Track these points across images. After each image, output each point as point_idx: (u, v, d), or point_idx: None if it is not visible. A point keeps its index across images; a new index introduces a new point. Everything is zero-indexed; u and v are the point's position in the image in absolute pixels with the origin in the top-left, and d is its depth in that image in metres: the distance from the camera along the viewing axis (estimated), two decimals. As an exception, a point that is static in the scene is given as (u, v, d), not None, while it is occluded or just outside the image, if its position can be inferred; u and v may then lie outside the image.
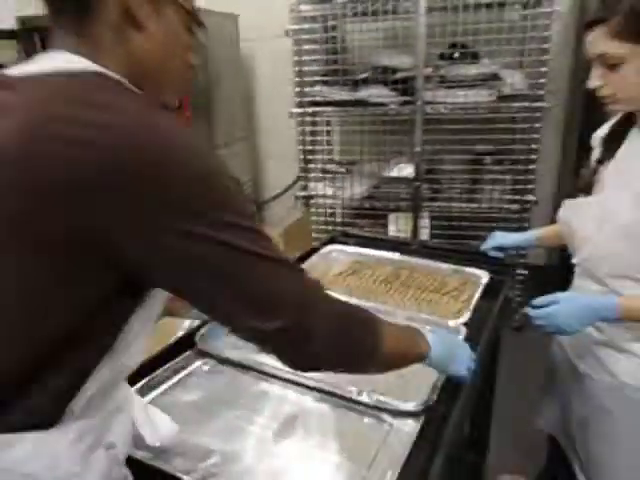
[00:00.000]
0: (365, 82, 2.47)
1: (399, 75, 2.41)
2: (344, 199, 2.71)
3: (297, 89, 2.59)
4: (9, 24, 2.72)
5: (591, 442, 1.11)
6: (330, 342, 0.62)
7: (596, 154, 1.11)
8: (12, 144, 0.50)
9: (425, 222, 2.60)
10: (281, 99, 2.94)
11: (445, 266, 1.45)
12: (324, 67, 2.55)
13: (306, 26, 2.48)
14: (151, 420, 0.76)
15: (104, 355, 0.58)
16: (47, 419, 0.56)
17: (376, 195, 2.69)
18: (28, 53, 2.78)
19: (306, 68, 2.55)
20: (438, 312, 1.23)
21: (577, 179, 1.13)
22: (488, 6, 2.25)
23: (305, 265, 1.48)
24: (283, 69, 2.75)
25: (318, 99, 2.57)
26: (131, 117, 0.52)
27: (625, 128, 1.03)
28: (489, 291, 1.31)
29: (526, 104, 2.27)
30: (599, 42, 0.92)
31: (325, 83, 2.57)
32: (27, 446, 0.54)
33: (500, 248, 1.38)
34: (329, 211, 2.83)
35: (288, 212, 3.20)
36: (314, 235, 2.76)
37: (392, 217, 2.65)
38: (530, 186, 2.40)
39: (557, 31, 2.54)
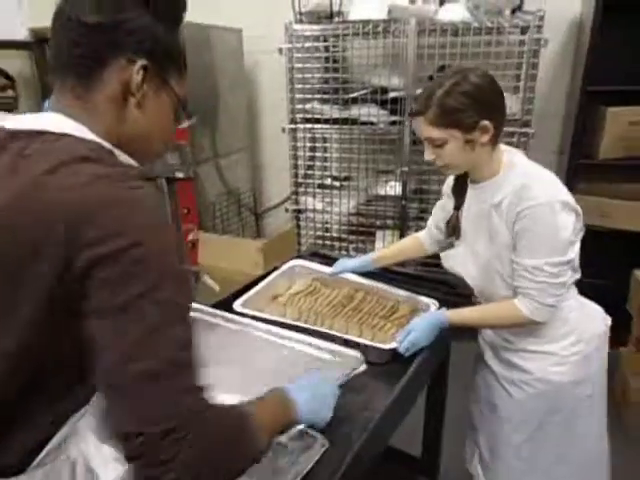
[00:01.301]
0: (356, 101, 2.51)
1: (389, 95, 2.45)
2: (333, 214, 2.75)
3: (290, 106, 2.64)
4: (23, 35, 2.87)
5: (495, 425, 1.34)
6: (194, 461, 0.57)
7: (450, 203, 1.31)
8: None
9: (411, 240, 2.62)
10: (282, 111, 3.00)
11: (399, 292, 1.48)
12: (317, 85, 2.60)
13: (299, 45, 2.53)
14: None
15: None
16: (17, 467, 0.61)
17: (364, 212, 2.72)
18: (39, 64, 2.93)
19: (300, 85, 2.60)
20: (377, 338, 1.28)
21: (447, 226, 1.30)
22: (482, 30, 2.26)
23: (267, 281, 1.53)
24: (284, 83, 2.81)
25: (310, 116, 2.62)
26: (100, 190, 0.57)
27: (464, 179, 1.24)
28: None
29: (512, 129, 2.27)
30: (423, 130, 1.12)
31: (318, 100, 2.62)
32: None
33: (344, 271, 1.53)
34: (319, 226, 2.87)
35: (286, 223, 3.26)
36: (303, 248, 2.81)
37: (379, 234, 2.68)
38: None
39: (553, 58, 2.54)
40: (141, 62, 0.65)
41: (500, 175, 1.15)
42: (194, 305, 1.31)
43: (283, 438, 0.87)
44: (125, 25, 0.64)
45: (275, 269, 1.63)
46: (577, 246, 1.14)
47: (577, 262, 1.18)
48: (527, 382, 1.25)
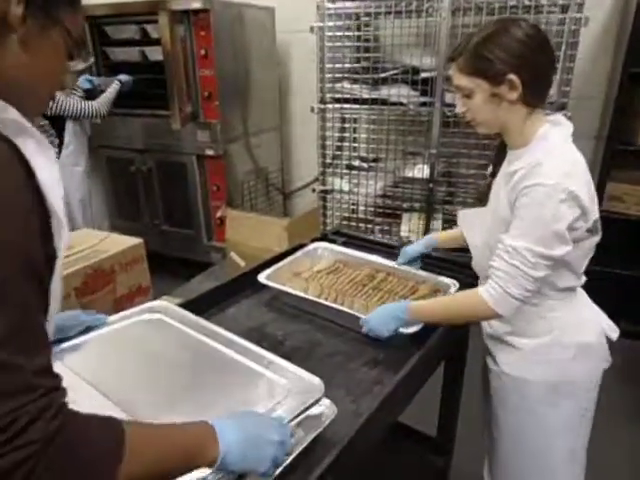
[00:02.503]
0: (386, 81, 2.48)
1: (421, 76, 2.41)
2: (360, 196, 2.75)
3: (319, 85, 2.64)
4: None
5: (490, 426, 1.31)
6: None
7: (489, 169, 1.26)
8: None
9: (438, 224, 2.60)
10: (312, 91, 2.99)
11: (420, 273, 1.48)
12: (348, 64, 2.58)
13: (331, 24, 2.51)
14: None
15: None
16: None
17: (391, 194, 2.71)
18: None
19: (330, 65, 2.59)
20: None
21: (478, 191, 1.23)
22: (519, 8, 2.19)
23: (290, 259, 1.55)
24: (315, 62, 2.80)
25: (338, 96, 2.61)
26: None
27: (504, 147, 1.16)
28: None
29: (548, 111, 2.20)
30: (454, 76, 1.08)
31: (348, 80, 2.60)
32: None
33: (411, 260, 1.49)
34: (345, 207, 2.88)
35: (312, 204, 3.28)
36: (328, 229, 2.83)
37: (405, 216, 2.67)
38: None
39: (594, 38, 2.44)
40: None
41: (528, 147, 1.06)
42: (162, 303, 1.22)
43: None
44: None
45: (299, 247, 1.65)
46: (566, 249, 1.02)
47: (579, 267, 1.11)
48: (497, 373, 1.23)
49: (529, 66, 1.01)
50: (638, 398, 2.21)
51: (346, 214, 2.88)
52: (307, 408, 0.87)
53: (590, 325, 1.17)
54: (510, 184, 1.06)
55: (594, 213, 1.05)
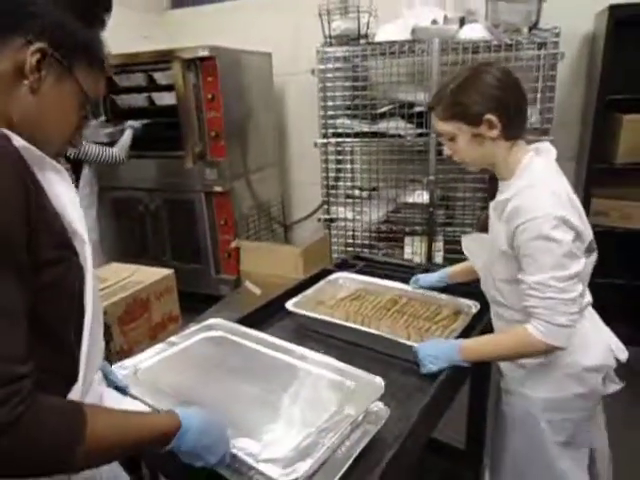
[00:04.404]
0: (384, 115, 2.68)
1: (415, 109, 2.62)
2: (363, 222, 2.91)
3: (322, 122, 2.83)
4: None
5: (496, 440, 1.36)
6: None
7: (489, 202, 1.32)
8: None
9: (439, 245, 2.76)
10: (309, 129, 3.19)
11: (441, 296, 1.53)
12: (347, 102, 2.79)
13: (330, 66, 2.73)
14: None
15: None
16: None
17: (393, 219, 2.88)
18: None
19: (330, 103, 2.79)
20: (425, 340, 1.29)
21: (477, 221, 1.33)
22: (501, 47, 2.43)
23: (313, 289, 1.60)
24: (311, 102, 3.00)
25: (340, 131, 2.80)
26: None
27: (496, 181, 1.22)
28: (479, 320, 1.40)
29: (532, 137, 2.42)
30: (436, 124, 1.16)
31: (347, 116, 2.80)
32: None
33: (423, 285, 1.56)
34: (349, 233, 3.03)
35: (312, 233, 3.42)
36: (335, 255, 2.96)
37: (408, 240, 2.82)
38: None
39: (569, 69, 2.70)
40: (38, 45, 0.64)
41: (515, 176, 1.12)
42: (218, 321, 1.30)
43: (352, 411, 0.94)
44: (27, 7, 0.64)
45: (315, 277, 1.71)
46: (582, 262, 1.07)
47: (584, 286, 1.14)
48: (504, 389, 1.29)
49: (503, 105, 1.08)
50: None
51: (350, 240, 3.03)
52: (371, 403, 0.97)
53: (598, 347, 1.18)
54: (503, 217, 1.12)
55: (588, 233, 1.10)
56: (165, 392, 1.00)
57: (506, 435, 1.29)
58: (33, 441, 0.56)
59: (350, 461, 0.88)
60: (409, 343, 1.25)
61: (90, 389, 0.71)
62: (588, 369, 1.16)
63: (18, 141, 0.62)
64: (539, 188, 1.06)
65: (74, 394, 0.68)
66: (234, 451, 0.82)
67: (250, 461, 0.81)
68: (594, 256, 1.15)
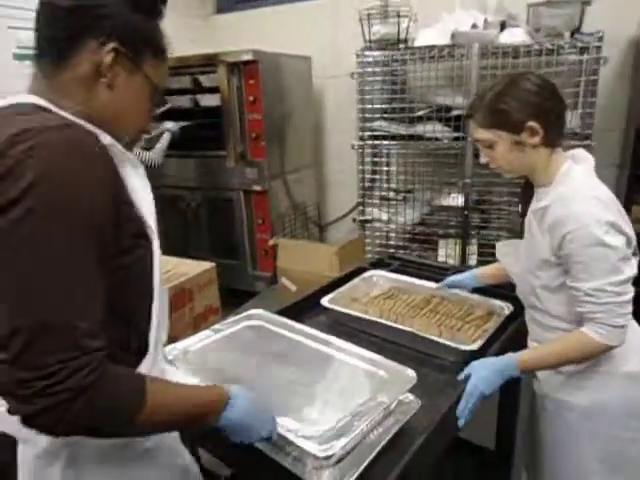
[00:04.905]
0: (421, 119, 2.71)
1: (453, 113, 2.64)
2: (398, 224, 2.94)
3: (360, 124, 2.88)
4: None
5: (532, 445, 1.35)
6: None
7: (519, 208, 1.33)
8: None
9: (473, 249, 2.76)
10: (346, 131, 3.25)
11: (473, 297, 1.56)
12: (385, 105, 2.83)
13: (369, 70, 2.78)
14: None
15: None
16: None
17: (428, 221, 2.90)
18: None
19: (368, 106, 2.84)
20: (457, 338, 1.34)
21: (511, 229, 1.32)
22: (541, 52, 2.43)
23: (348, 286, 1.65)
24: (349, 105, 3.06)
25: (377, 133, 2.84)
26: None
27: (531, 186, 1.21)
28: (511, 321, 1.43)
29: (573, 142, 2.40)
30: (474, 131, 1.16)
31: (385, 119, 2.84)
32: None
33: (450, 286, 1.57)
34: (384, 235, 3.07)
35: (347, 234, 3.48)
36: (369, 256, 3.01)
37: (442, 242, 2.84)
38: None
39: (612, 74, 2.66)
40: (112, 45, 0.69)
41: (554, 183, 1.12)
42: (258, 311, 1.38)
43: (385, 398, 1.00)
44: (98, 10, 0.68)
45: (353, 273, 1.76)
46: (635, 264, 1.08)
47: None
48: (539, 394, 1.29)
49: (545, 111, 1.08)
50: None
51: (384, 242, 3.07)
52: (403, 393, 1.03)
53: (637, 353, 1.17)
54: (544, 225, 1.12)
55: (633, 236, 1.09)
56: (212, 372, 1.09)
57: (542, 440, 1.28)
58: (101, 405, 0.63)
59: (380, 447, 0.93)
60: (442, 341, 1.29)
61: (155, 363, 0.79)
62: (628, 375, 1.16)
63: (105, 138, 0.68)
64: (583, 195, 1.06)
65: (143, 367, 0.76)
66: (274, 428, 0.89)
67: (290, 436, 0.88)
68: (637, 259, 1.14)
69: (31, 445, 0.70)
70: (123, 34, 0.70)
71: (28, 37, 0.73)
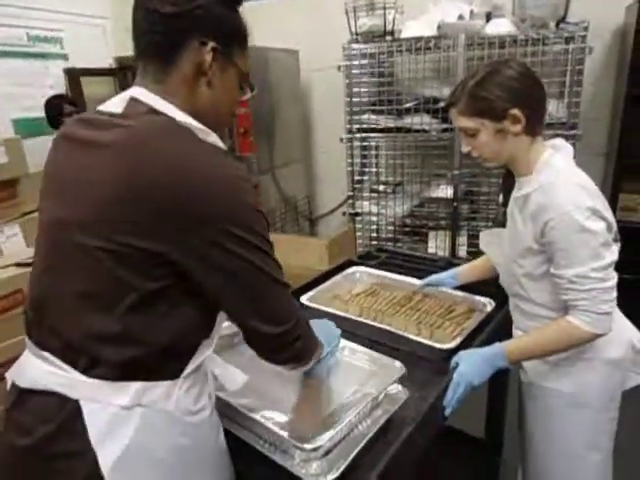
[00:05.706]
0: (409, 111, 2.71)
1: (440, 104, 2.64)
2: (388, 217, 2.95)
3: (347, 117, 2.88)
4: (108, 63, 3.25)
5: (522, 433, 1.37)
6: (305, 344, 0.84)
7: (500, 197, 1.34)
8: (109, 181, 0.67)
9: (463, 240, 2.78)
10: (334, 125, 3.24)
11: (456, 293, 1.54)
12: (373, 98, 2.83)
13: (356, 62, 2.77)
14: (228, 373, 0.99)
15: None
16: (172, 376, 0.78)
17: (418, 214, 2.91)
18: (123, 88, 3.29)
19: (356, 99, 2.84)
20: (435, 336, 1.33)
21: (494, 220, 1.33)
22: (527, 42, 2.43)
23: (330, 283, 1.65)
24: (337, 98, 3.05)
25: (366, 126, 2.84)
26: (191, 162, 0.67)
27: (512, 177, 1.22)
28: (492, 318, 1.41)
29: (560, 132, 2.41)
30: (457, 120, 1.15)
31: (373, 112, 2.84)
32: (162, 390, 0.75)
33: (433, 282, 1.56)
34: (374, 227, 3.07)
35: (338, 228, 3.48)
36: (359, 249, 3.01)
37: (432, 234, 2.85)
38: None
39: (598, 64, 2.67)
40: (211, 44, 0.73)
41: (535, 172, 1.13)
42: None
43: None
44: (196, 12, 0.71)
45: (338, 269, 1.75)
46: (616, 250, 1.08)
47: None
48: (525, 382, 1.30)
49: (527, 99, 1.09)
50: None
51: (374, 234, 3.08)
52: (391, 384, 1.03)
53: (619, 340, 1.18)
54: (526, 213, 1.12)
55: (613, 222, 1.09)
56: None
57: (530, 427, 1.30)
58: (303, 347, 0.84)
59: (368, 438, 0.94)
60: (419, 339, 1.28)
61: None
62: (610, 362, 1.17)
63: (211, 136, 0.73)
64: (564, 181, 1.07)
65: (209, 341, 0.83)
66: (261, 420, 0.90)
67: (277, 430, 0.88)
68: (618, 245, 1.14)
69: (104, 405, 0.72)
70: (218, 31, 0.74)
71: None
